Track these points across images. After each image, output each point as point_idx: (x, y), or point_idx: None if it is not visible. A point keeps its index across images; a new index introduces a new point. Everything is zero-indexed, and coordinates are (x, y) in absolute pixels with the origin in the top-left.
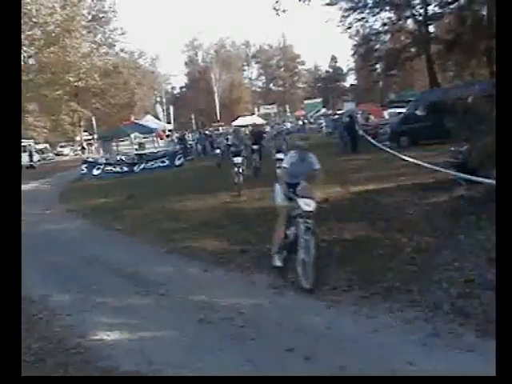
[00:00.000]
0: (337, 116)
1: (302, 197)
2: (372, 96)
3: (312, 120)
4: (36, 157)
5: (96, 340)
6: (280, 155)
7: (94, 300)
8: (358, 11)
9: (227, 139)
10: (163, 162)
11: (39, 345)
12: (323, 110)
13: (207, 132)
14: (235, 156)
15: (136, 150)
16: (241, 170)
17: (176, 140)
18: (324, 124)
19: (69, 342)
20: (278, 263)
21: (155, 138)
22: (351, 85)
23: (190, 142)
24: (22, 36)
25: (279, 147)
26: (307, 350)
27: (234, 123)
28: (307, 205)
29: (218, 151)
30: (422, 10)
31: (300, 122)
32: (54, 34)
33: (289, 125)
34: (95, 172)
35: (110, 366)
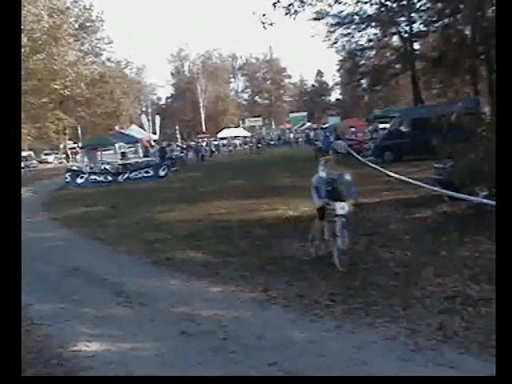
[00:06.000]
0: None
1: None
2: (357, 111)
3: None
4: None
5: (76, 351)
6: None
7: (75, 310)
8: (344, 27)
9: None
10: (147, 172)
11: None
12: (308, 124)
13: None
14: None
15: (120, 159)
16: None
17: (158, 151)
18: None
19: (49, 352)
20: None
21: (139, 148)
22: (336, 99)
23: (175, 154)
24: None
25: None
26: (289, 364)
27: (220, 135)
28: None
29: None
30: (407, 28)
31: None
32: (40, 42)
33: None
34: (79, 181)
35: None
